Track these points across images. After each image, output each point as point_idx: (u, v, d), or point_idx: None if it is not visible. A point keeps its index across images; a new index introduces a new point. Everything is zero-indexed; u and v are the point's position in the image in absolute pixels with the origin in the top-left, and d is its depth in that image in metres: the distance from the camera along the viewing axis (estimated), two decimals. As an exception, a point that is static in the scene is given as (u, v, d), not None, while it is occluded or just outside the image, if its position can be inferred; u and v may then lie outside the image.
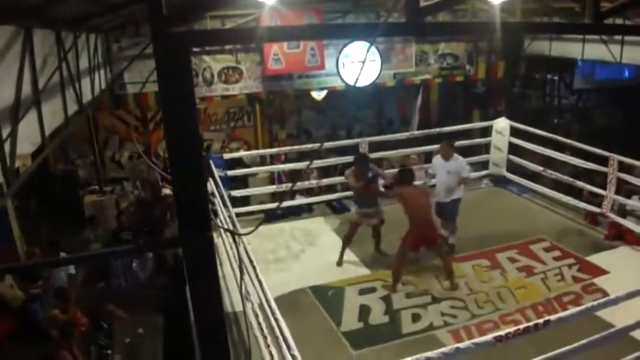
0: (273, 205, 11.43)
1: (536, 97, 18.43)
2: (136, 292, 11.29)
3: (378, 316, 8.01)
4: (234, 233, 7.35)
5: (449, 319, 7.82)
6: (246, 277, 6.67)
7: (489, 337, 5.02)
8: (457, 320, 7.80)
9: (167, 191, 13.17)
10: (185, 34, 3.66)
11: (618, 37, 11.58)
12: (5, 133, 5.17)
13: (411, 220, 8.61)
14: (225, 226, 8.23)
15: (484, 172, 12.92)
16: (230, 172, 11.48)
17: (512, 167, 12.51)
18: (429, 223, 8.71)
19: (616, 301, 5.76)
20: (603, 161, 10.25)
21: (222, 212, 8.76)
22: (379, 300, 8.39)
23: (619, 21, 10.03)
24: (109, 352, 8.86)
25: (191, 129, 3.85)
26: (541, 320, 5.25)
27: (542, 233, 10.21)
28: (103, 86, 10.97)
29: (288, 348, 4.88)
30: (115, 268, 11.38)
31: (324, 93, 15.10)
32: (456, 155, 9.87)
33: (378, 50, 13.18)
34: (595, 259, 9.26)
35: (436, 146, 12.31)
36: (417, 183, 9.80)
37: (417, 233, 8.58)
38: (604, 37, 11.74)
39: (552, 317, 5.33)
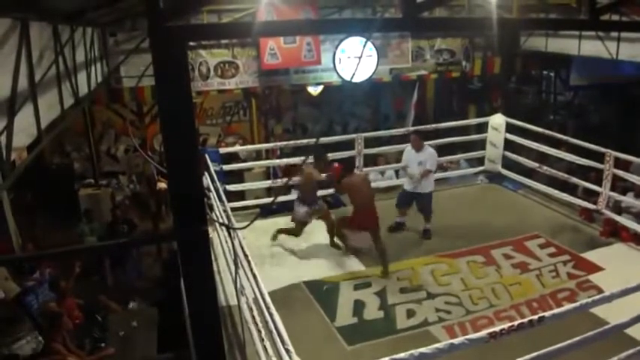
0: (269, 200, 11.44)
1: (532, 93, 18.47)
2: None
3: (372, 312, 8.00)
4: (229, 227, 7.36)
5: (443, 315, 7.81)
6: (240, 271, 6.68)
7: (483, 333, 5.01)
8: (451, 316, 7.79)
9: (163, 185, 13.16)
10: (182, 29, 3.66)
11: (614, 34, 11.57)
12: (1, 125, 5.16)
13: (353, 207, 9.23)
14: (221, 221, 8.24)
15: (479, 169, 12.92)
16: (225, 167, 11.43)
17: (507, 163, 12.50)
18: (370, 209, 9.05)
19: (610, 298, 5.76)
20: (598, 158, 10.25)
21: (218, 206, 8.76)
22: (374, 295, 8.38)
23: (615, 17, 10.05)
24: (103, 344, 8.87)
25: (187, 123, 3.85)
26: (535, 317, 5.25)
27: (537, 230, 10.22)
28: (100, 80, 10.94)
29: (282, 342, 4.88)
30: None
31: (320, 88, 15.11)
32: (426, 146, 10.21)
33: (374, 46, 13.16)
34: (590, 255, 9.26)
35: (431, 142, 12.41)
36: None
37: (358, 218, 9.09)
38: (600, 33, 11.75)
39: (547, 314, 5.32)
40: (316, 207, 9.56)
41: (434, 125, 12.80)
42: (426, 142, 10.41)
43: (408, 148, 10.31)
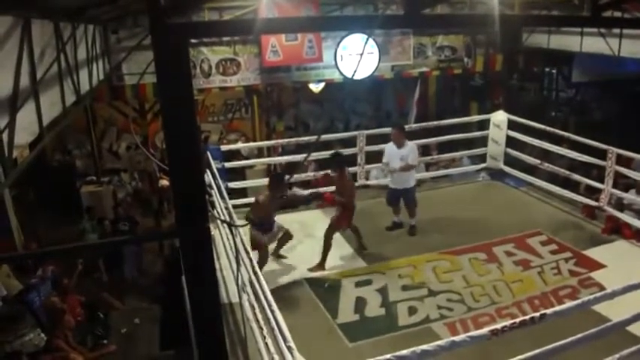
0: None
1: (534, 90, 18.41)
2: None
3: (374, 309, 8.00)
4: (231, 225, 7.35)
5: (445, 312, 7.81)
6: (242, 268, 6.68)
7: (485, 330, 5.01)
8: (453, 313, 7.79)
9: (164, 182, 13.17)
10: (183, 26, 3.66)
11: (616, 31, 11.56)
12: (3, 123, 5.17)
13: (346, 204, 9.19)
14: (222, 218, 8.24)
15: (481, 166, 12.92)
16: (227, 164, 11.44)
17: (509, 160, 12.50)
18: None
19: (612, 295, 5.76)
20: (600, 154, 10.24)
21: (220, 204, 8.76)
22: (375, 292, 8.38)
23: (617, 14, 10.03)
24: (105, 341, 8.87)
25: (189, 120, 3.85)
26: (537, 314, 5.25)
27: (539, 227, 10.21)
28: (101, 77, 10.95)
29: (284, 339, 4.88)
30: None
31: (321, 85, 15.10)
32: (407, 141, 10.17)
33: (376, 42, 13.16)
34: (592, 252, 9.25)
35: (433, 139, 12.40)
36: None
37: (349, 214, 9.23)
38: (602, 30, 11.74)
39: (549, 311, 5.31)
40: (274, 231, 9.07)
41: (436, 122, 12.79)
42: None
43: (389, 144, 10.26)
